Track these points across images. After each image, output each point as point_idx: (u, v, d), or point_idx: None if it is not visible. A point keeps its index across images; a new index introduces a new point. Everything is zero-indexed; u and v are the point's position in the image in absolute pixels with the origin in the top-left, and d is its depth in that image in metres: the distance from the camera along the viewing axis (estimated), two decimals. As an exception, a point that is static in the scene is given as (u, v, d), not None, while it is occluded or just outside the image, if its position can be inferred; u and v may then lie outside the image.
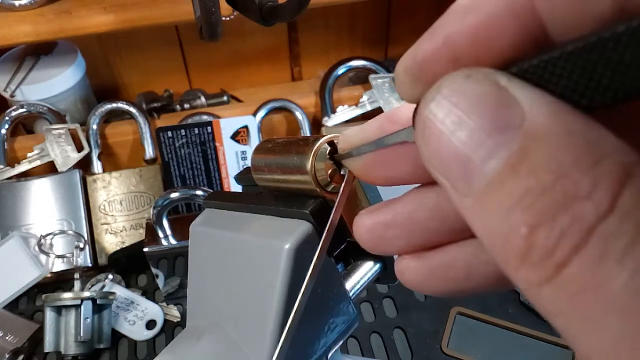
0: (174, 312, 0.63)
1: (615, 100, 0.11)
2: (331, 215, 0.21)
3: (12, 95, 0.73)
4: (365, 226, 0.19)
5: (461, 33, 0.13)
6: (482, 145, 0.12)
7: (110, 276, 0.66)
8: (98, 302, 0.58)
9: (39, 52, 0.77)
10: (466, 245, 0.17)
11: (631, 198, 0.11)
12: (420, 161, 0.17)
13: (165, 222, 0.59)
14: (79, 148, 0.72)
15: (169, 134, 0.72)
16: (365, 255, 0.29)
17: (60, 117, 0.74)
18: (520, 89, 0.12)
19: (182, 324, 0.62)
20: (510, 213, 0.12)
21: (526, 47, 0.13)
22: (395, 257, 0.28)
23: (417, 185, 0.18)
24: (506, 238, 0.12)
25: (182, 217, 0.68)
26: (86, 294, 0.57)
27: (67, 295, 0.57)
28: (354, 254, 0.29)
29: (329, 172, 0.22)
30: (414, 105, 0.18)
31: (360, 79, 0.84)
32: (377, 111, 0.78)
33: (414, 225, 0.18)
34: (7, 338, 0.59)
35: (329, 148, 0.22)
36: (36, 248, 0.65)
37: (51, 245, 0.65)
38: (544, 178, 0.11)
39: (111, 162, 0.77)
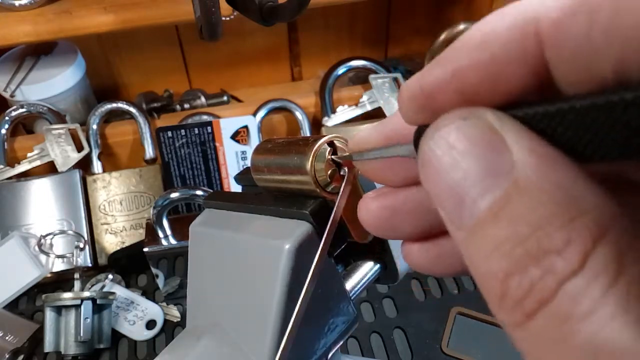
0: (174, 312, 0.63)
1: (614, 157, 0.11)
2: (331, 216, 0.21)
3: (12, 95, 0.73)
4: (371, 210, 0.19)
5: (471, 68, 0.13)
6: (473, 186, 0.13)
7: (110, 276, 0.66)
8: (98, 302, 0.58)
9: (39, 52, 0.77)
10: None
11: (602, 258, 0.11)
12: None
13: (165, 222, 0.59)
14: (79, 148, 0.72)
15: (169, 134, 0.72)
16: (365, 256, 0.29)
17: (60, 117, 0.74)
18: (514, 135, 0.12)
19: (182, 324, 0.62)
20: (490, 256, 0.12)
21: (533, 90, 0.13)
22: (396, 255, 0.28)
23: None
24: (487, 278, 0.12)
25: (182, 217, 0.68)
26: (86, 294, 0.57)
27: (67, 295, 0.57)
28: (354, 254, 0.29)
29: (329, 172, 0.22)
30: None
31: (360, 79, 0.84)
32: (377, 111, 0.78)
33: (421, 213, 0.18)
34: (7, 338, 0.59)
35: (328, 148, 0.22)
36: (36, 248, 0.65)
37: (51, 245, 0.65)
38: (521, 229, 0.12)
39: (111, 162, 0.77)
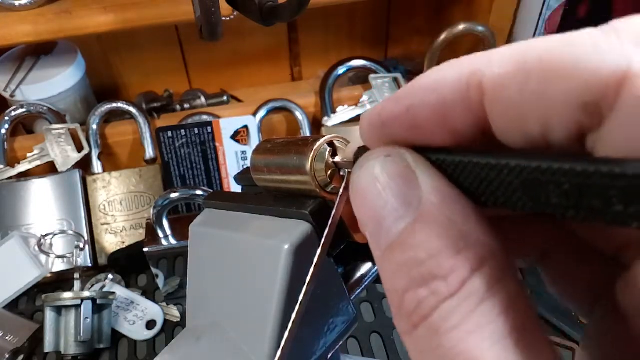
0: (174, 312, 0.63)
1: (502, 206, 0.14)
2: (331, 216, 0.21)
3: (12, 95, 0.73)
4: None
5: (422, 106, 0.15)
6: (389, 215, 0.15)
7: (110, 276, 0.66)
8: (98, 302, 0.58)
9: (39, 52, 0.77)
10: None
11: (474, 286, 0.13)
12: None
13: (165, 222, 0.59)
14: (79, 148, 0.72)
15: (169, 134, 0.72)
16: (365, 256, 0.29)
17: (60, 117, 0.74)
18: (424, 175, 0.15)
19: (182, 324, 0.62)
20: (395, 274, 0.14)
21: (474, 132, 0.14)
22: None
23: None
24: (391, 292, 0.15)
25: (182, 217, 0.68)
26: (86, 294, 0.57)
27: (67, 295, 0.57)
28: (354, 255, 0.29)
29: (329, 172, 0.22)
30: None
31: (360, 79, 0.84)
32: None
33: None
34: (7, 338, 0.59)
35: (328, 149, 0.22)
36: (36, 248, 0.65)
37: (51, 245, 0.65)
38: (420, 255, 0.14)
39: (111, 162, 0.77)
